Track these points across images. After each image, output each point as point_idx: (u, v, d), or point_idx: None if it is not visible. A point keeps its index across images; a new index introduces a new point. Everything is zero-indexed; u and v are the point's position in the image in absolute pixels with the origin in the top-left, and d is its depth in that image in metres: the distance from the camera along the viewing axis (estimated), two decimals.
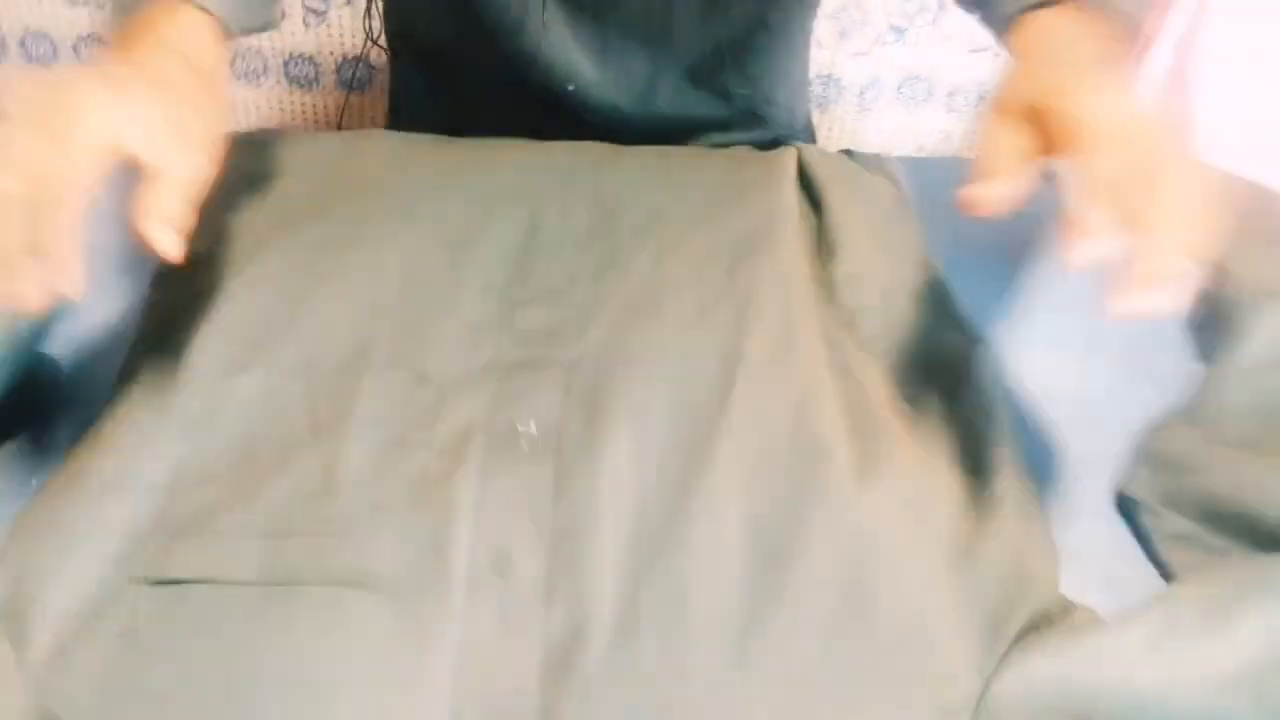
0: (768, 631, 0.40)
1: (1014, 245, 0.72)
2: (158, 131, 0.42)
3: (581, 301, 0.52)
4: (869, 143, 1.60)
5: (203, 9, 0.50)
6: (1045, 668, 0.41)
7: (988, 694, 0.40)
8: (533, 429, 0.45)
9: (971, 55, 1.46)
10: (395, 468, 0.44)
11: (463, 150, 0.66)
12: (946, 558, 0.44)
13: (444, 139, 0.67)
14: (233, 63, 1.47)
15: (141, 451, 0.45)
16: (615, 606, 0.40)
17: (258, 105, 1.58)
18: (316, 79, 1.51)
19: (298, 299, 0.52)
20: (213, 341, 0.50)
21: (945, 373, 0.54)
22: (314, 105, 1.56)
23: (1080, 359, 0.62)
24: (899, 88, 1.59)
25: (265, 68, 1.48)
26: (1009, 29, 0.51)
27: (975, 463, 0.49)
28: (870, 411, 0.48)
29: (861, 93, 1.58)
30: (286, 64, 1.48)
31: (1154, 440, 0.55)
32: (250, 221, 0.58)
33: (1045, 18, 0.50)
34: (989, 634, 0.42)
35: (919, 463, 0.47)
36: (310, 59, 1.47)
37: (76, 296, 0.39)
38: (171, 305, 0.54)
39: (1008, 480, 0.49)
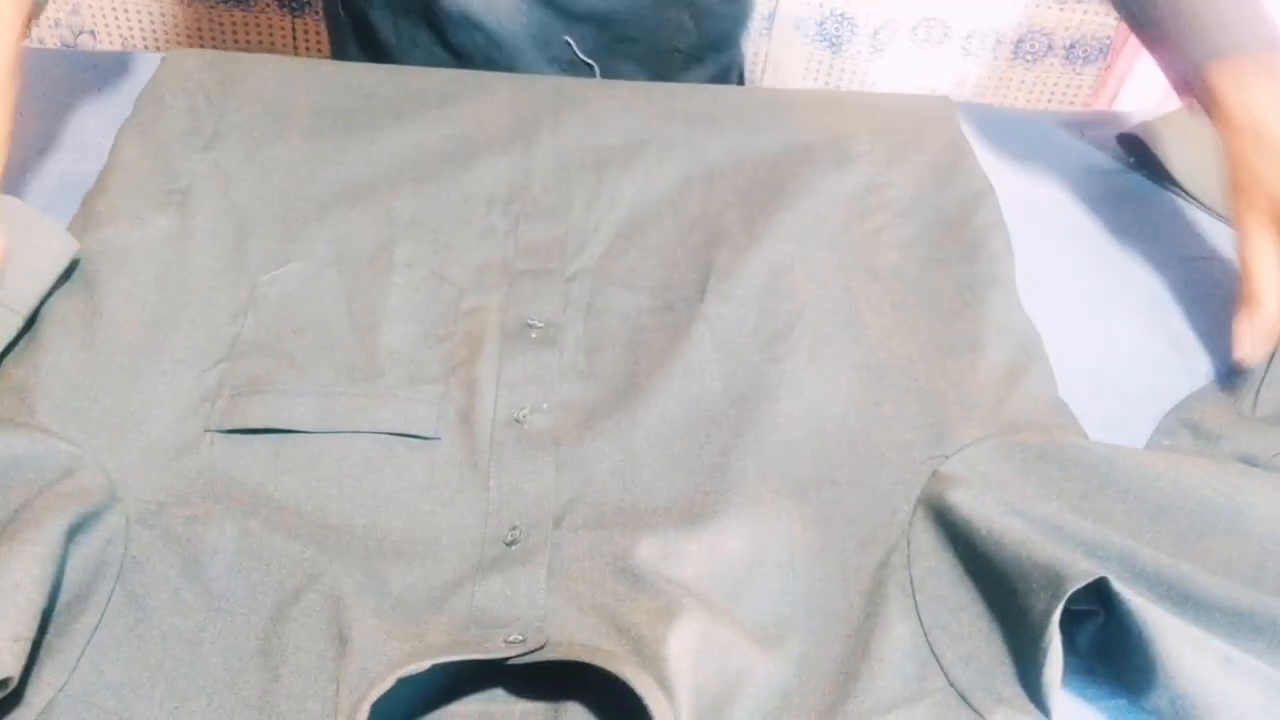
0: (741, 461, 0.49)
1: (1036, 202, 0.70)
2: None
3: (577, 224, 0.61)
4: (881, 85, 1.57)
5: None
6: (1000, 458, 0.48)
7: (933, 478, 0.48)
8: (540, 324, 0.55)
9: None
10: (427, 351, 0.53)
11: (450, 77, 0.73)
12: (900, 395, 0.53)
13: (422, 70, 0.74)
14: None
15: (201, 332, 0.53)
16: (613, 449, 0.49)
17: (198, 24, 1.54)
18: None
19: (324, 205, 0.60)
20: (245, 237, 0.58)
21: (953, 227, 0.62)
22: (252, 24, 1.51)
23: (1103, 323, 0.61)
24: (914, 29, 1.55)
25: None
26: (1195, 78, 0.53)
27: (962, 319, 0.56)
28: (850, 280, 0.59)
29: (875, 33, 1.54)
30: None
31: (1187, 409, 0.54)
32: (244, 129, 0.65)
33: (1245, 74, 0.52)
34: (939, 441, 0.50)
35: (883, 330, 0.56)
36: None
37: None
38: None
39: (994, 330, 0.55)
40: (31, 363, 0.50)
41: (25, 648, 0.38)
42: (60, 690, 0.39)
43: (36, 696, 0.39)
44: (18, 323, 0.51)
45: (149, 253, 0.56)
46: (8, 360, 0.51)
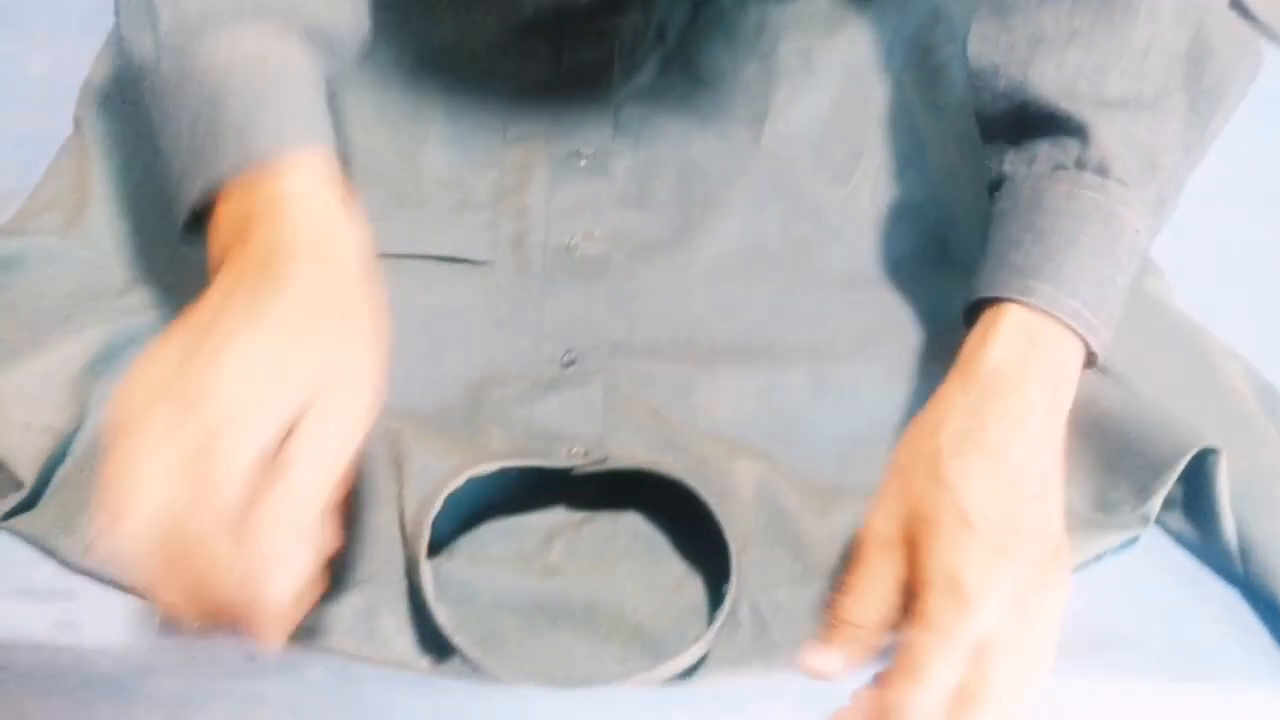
0: (799, 302, 0.48)
1: None
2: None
3: (625, 49, 0.57)
4: None
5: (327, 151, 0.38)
6: None
7: None
8: (589, 152, 0.53)
9: None
10: (474, 178, 0.52)
11: None
12: (965, 233, 0.50)
13: None
14: None
15: None
16: (668, 283, 0.49)
17: None
18: None
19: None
20: None
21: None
22: None
23: None
24: None
25: None
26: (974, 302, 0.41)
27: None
28: (913, 116, 0.56)
29: None
30: None
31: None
32: None
33: (1007, 366, 0.38)
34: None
35: (948, 166, 0.53)
36: None
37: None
38: None
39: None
40: (80, 184, 0.49)
41: (44, 442, 0.39)
42: None
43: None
44: None
45: None
46: (57, 181, 0.50)
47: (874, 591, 0.36)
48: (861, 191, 0.53)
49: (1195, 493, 0.41)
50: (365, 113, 0.54)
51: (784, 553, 0.40)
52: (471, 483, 0.38)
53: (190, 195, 0.36)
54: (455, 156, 0.53)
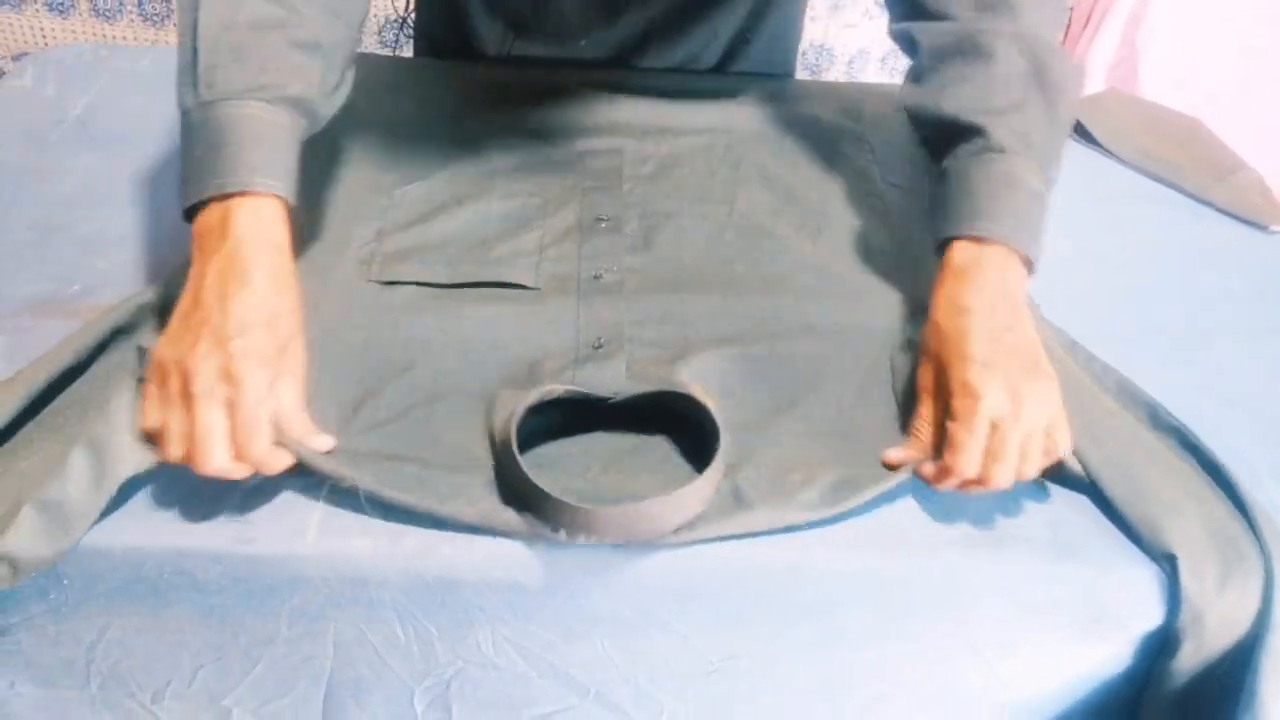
0: (764, 314, 0.66)
1: None
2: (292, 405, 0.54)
3: (630, 158, 0.81)
4: None
5: (281, 198, 0.57)
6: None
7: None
8: (607, 218, 0.74)
9: None
10: (525, 238, 0.72)
11: (522, 71, 0.92)
12: (885, 272, 0.71)
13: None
14: None
15: (355, 225, 0.72)
16: (668, 299, 0.67)
17: None
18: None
19: (437, 156, 0.80)
20: (380, 174, 0.78)
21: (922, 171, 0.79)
22: None
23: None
24: (883, 59, 1.76)
25: None
26: (941, 241, 0.63)
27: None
28: (846, 201, 0.78)
29: (850, 61, 1.74)
30: None
31: None
32: (373, 112, 0.83)
33: (969, 267, 0.60)
34: (913, 311, 0.67)
35: (867, 233, 0.75)
36: None
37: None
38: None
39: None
40: None
41: None
42: None
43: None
44: None
45: (315, 189, 0.74)
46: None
47: (926, 417, 0.58)
48: (805, 242, 0.73)
49: None
50: (442, 195, 0.74)
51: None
52: (532, 417, 0.54)
53: (189, 198, 0.56)
54: (509, 224, 0.72)
